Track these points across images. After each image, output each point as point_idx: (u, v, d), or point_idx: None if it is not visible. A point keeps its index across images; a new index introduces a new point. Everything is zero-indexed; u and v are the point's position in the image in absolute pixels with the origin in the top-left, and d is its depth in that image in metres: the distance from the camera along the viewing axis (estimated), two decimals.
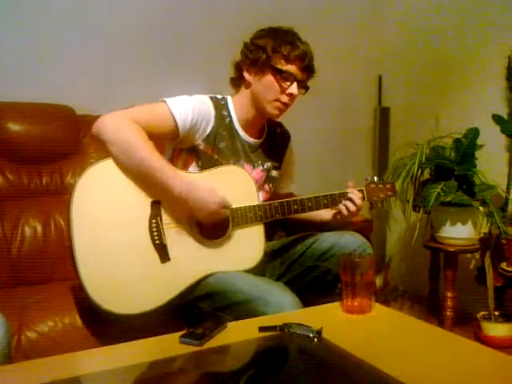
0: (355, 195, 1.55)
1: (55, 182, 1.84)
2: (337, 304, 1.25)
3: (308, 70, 1.50)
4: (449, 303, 2.23)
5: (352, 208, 1.54)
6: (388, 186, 1.66)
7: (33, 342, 1.29)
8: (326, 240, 1.53)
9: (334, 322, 1.16)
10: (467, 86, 2.47)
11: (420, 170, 2.26)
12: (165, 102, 1.41)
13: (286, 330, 1.06)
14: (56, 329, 1.33)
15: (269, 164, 1.63)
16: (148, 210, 1.33)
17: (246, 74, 1.50)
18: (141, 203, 1.33)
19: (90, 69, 2.09)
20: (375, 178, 1.64)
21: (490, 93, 2.34)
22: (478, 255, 2.35)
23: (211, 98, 1.51)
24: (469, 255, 2.40)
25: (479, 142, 2.15)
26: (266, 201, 1.61)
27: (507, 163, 2.27)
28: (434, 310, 2.39)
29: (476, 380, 0.91)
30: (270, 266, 1.60)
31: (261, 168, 1.60)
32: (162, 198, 1.35)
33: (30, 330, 1.31)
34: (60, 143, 1.87)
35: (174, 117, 1.39)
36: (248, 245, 1.45)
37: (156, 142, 1.37)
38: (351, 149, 2.87)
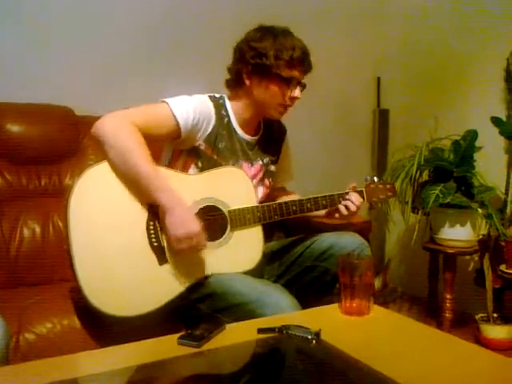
0: (355, 196, 1.55)
1: (54, 183, 1.84)
2: (335, 306, 1.24)
3: (308, 69, 1.51)
4: (448, 305, 2.23)
5: (352, 208, 1.54)
6: (388, 186, 1.67)
7: (31, 344, 1.28)
8: (325, 240, 1.53)
9: (333, 324, 1.16)
10: (466, 88, 2.47)
11: (419, 172, 2.26)
12: (165, 102, 1.40)
13: (284, 332, 1.06)
14: (54, 330, 1.32)
15: (267, 159, 1.63)
16: (146, 212, 1.33)
17: (246, 80, 1.50)
18: (138, 205, 1.33)
19: (90, 69, 2.09)
20: (375, 178, 1.65)
21: (488, 95, 2.34)
22: (476, 257, 2.35)
23: (210, 97, 1.51)
24: (468, 257, 2.40)
25: (478, 143, 2.15)
26: (266, 195, 1.62)
27: (506, 165, 2.28)
28: (433, 312, 2.39)
29: (474, 382, 0.91)
30: (268, 267, 1.60)
31: (260, 163, 1.61)
32: None
33: (29, 331, 1.30)
34: (59, 144, 1.87)
35: (175, 117, 1.39)
36: (246, 246, 1.45)
37: (154, 144, 1.36)
38: (350, 150, 2.87)
